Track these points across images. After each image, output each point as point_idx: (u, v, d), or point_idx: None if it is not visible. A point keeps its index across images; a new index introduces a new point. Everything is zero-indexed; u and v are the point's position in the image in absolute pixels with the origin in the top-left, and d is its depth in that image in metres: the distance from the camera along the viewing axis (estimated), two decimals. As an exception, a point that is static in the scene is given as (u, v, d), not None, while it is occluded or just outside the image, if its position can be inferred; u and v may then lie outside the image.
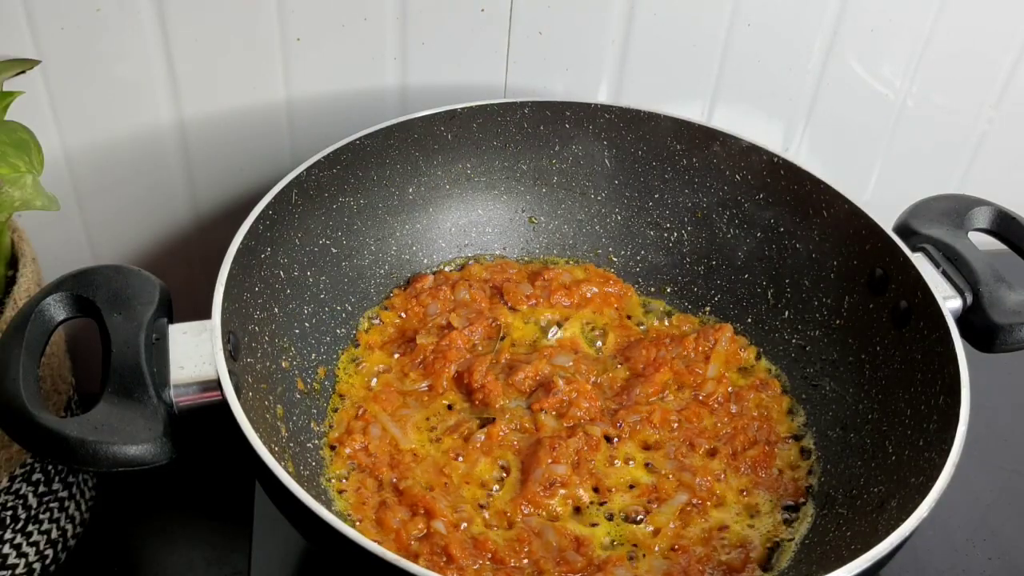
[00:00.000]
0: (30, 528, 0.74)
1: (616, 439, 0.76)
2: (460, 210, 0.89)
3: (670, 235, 0.90)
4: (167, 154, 0.86)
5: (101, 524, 0.83)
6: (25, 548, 0.74)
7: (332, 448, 0.74)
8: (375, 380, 0.79)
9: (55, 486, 0.75)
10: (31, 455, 0.71)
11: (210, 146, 0.86)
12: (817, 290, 0.83)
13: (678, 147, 0.87)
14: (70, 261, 0.78)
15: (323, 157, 0.78)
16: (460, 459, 0.74)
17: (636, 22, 0.88)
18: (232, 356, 0.65)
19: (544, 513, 0.71)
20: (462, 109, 0.85)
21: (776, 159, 0.83)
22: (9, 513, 0.71)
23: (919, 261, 0.75)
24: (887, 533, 0.58)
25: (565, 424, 0.76)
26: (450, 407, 0.78)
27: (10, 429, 0.57)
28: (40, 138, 0.70)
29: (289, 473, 0.58)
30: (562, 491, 0.72)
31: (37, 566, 0.76)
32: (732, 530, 0.71)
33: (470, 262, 0.89)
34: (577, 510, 0.71)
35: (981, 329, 0.73)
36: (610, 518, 0.71)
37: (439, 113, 0.84)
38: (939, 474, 0.61)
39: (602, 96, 0.93)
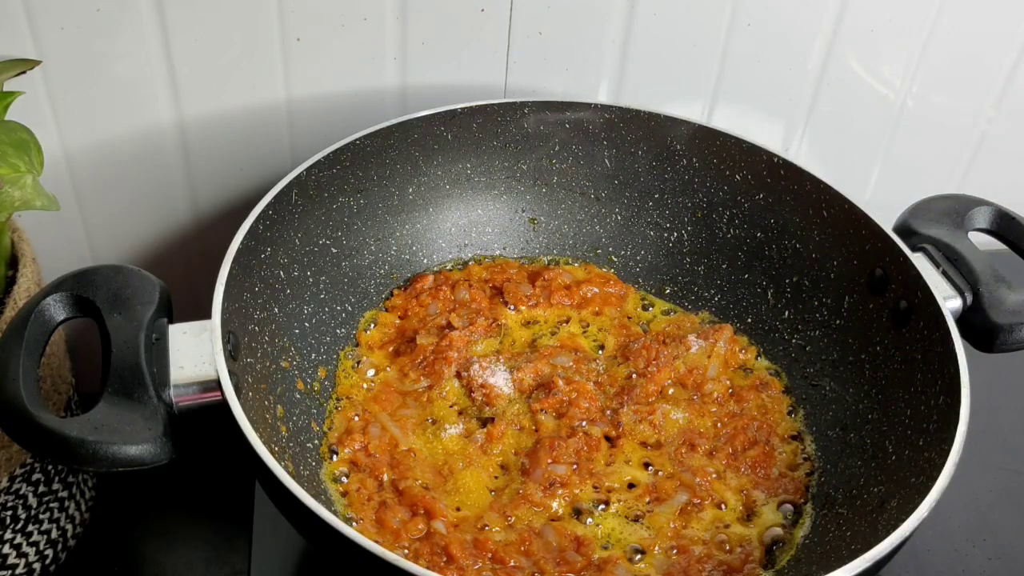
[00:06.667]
0: (30, 528, 0.74)
1: (616, 439, 0.76)
2: (460, 210, 0.89)
3: (670, 235, 0.90)
4: (167, 154, 0.86)
5: (101, 524, 0.82)
6: (25, 548, 0.74)
7: (332, 448, 0.74)
8: (375, 380, 0.79)
9: (55, 486, 0.75)
10: (31, 455, 0.71)
11: (210, 146, 0.86)
12: (817, 290, 0.83)
13: (678, 147, 0.87)
14: (70, 261, 0.78)
15: (323, 157, 0.78)
16: (460, 459, 0.74)
17: (636, 22, 0.88)
18: (232, 356, 0.65)
19: (544, 513, 0.71)
20: (462, 109, 0.85)
21: (776, 159, 0.83)
22: (9, 513, 0.71)
23: (919, 261, 0.75)
24: (887, 533, 0.58)
25: (565, 424, 0.76)
26: (450, 407, 0.78)
27: (10, 429, 0.57)
28: (40, 138, 0.70)
29: (289, 473, 0.58)
30: (562, 491, 0.72)
31: (37, 566, 0.76)
32: (732, 530, 0.71)
33: (470, 262, 0.89)
34: (577, 510, 0.71)
35: (981, 329, 0.73)
36: (610, 518, 0.71)
37: (439, 113, 0.84)
38: (939, 474, 0.61)
39: (602, 96, 0.93)
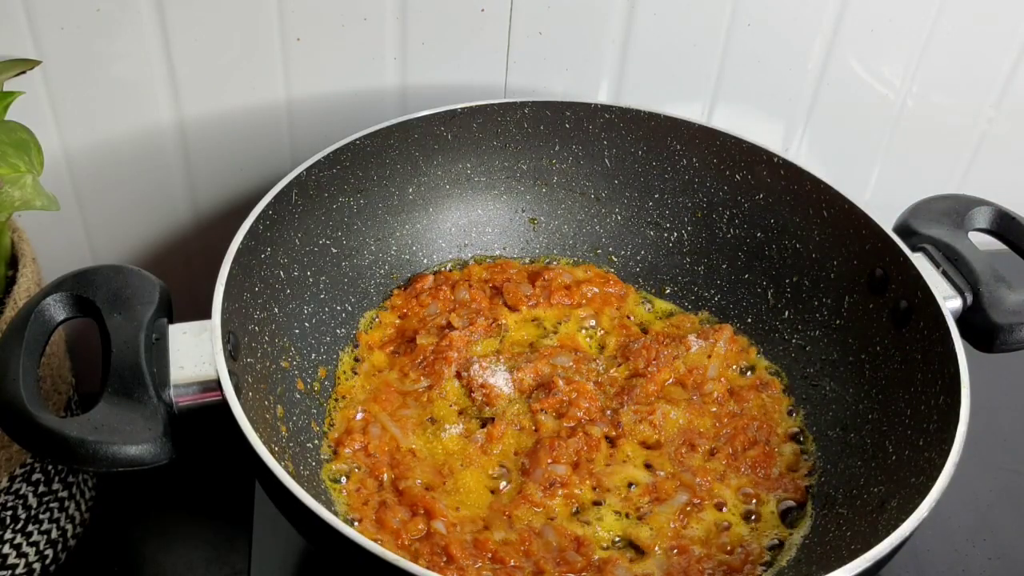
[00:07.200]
0: (30, 528, 0.74)
1: (616, 439, 0.76)
2: (460, 210, 0.89)
3: (670, 235, 0.90)
4: (167, 154, 0.86)
5: (101, 524, 0.82)
6: (25, 548, 0.74)
7: (332, 448, 0.74)
8: (375, 380, 0.79)
9: (55, 486, 0.75)
10: (31, 455, 0.71)
11: (210, 146, 0.86)
12: (817, 290, 0.83)
13: (678, 147, 0.87)
14: (70, 261, 0.78)
15: (323, 157, 0.78)
16: (460, 459, 0.74)
17: (636, 22, 0.88)
18: (232, 356, 0.65)
19: (544, 513, 0.71)
20: (462, 109, 0.85)
21: (776, 159, 0.83)
22: (9, 513, 0.71)
23: (919, 261, 0.75)
24: (887, 533, 0.58)
25: (565, 424, 0.76)
26: (450, 407, 0.78)
27: (10, 429, 0.57)
28: (40, 138, 0.70)
29: (289, 473, 0.58)
30: (562, 491, 0.72)
31: (37, 566, 0.76)
32: (732, 530, 0.71)
33: (470, 262, 0.89)
34: (577, 510, 0.71)
35: (981, 329, 0.73)
36: (610, 518, 0.71)
37: (439, 113, 0.84)
38: (939, 474, 0.61)
39: (602, 96, 0.93)
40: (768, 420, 0.79)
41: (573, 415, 0.77)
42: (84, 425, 0.56)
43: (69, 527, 0.78)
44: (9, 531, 0.72)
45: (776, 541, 0.71)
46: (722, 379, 0.81)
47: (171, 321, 0.64)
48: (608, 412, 0.78)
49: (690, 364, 0.82)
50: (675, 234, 0.90)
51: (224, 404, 0.60)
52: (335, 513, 0.64)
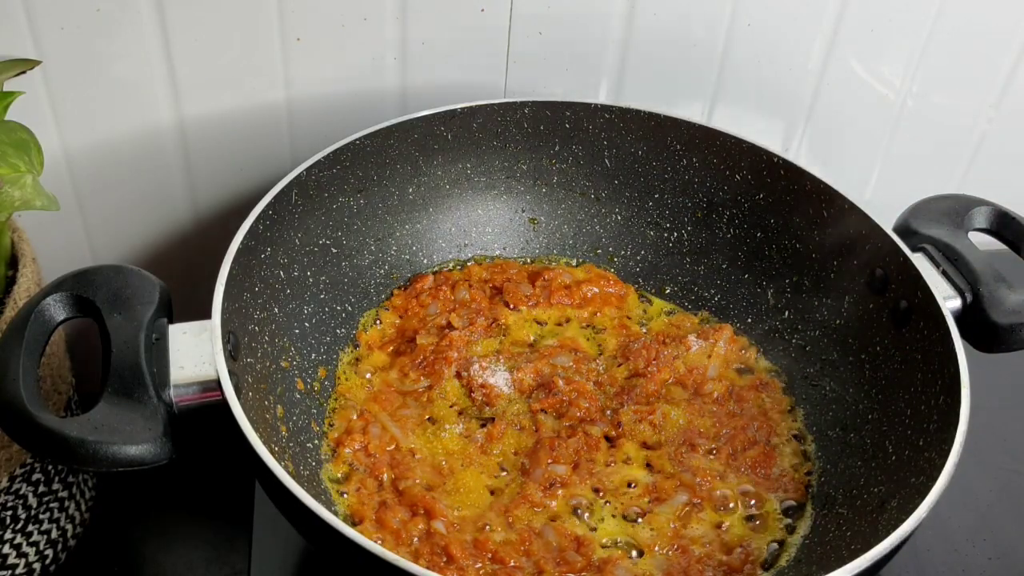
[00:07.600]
0: (30, 528, 0.74)
1: (616, 439, 0.76)
2: (460, 210, 0.89)
3: (670, 235, 0.90)
4: (167, 154, 0.86)
5: (101, 524, 0.83)
6: (25, 548, 0.74)
7: (332, 448, 0.74)
8: (375, 380, 0.79)
9: (55, 486, 0.75)
10: (31, 455, 0.71)
11: (210, 146, 0.86)
12: (817, 290, 0.83)
13: (678, 147, 0.87)
14: (70, 261, 0.78)
15: (323, 157, 0.78)
16: (460, 459, 0.74)
17: (636, 22, 0.88)
18: (232, 356, 0.65)
19: (544, 513, 0.71)
20: (462, 109, 0.85)
21: (776, 159, 0.83)
22: (9, 513, 0.71)
23: (919, 261, 0.75)
24: (887, 533, 0.58)
25: (565, 424, 0.76)
26: (450, 407, 0.78)
27: (10, 429, 0.57)
28: (40, 138, 0.70)
29: (289, 473, 0.58)
30: (562, 491, 0.72)
31: (37, 566, 0.76)
32: (732, 530, 0.71)
33: (470, 262, 0.89)
34: (577, 510, 0.71)
35: (981, 329, 0.73)
36: (610, 518, 0.71)
37: (439, 113, 0.84)
38: (939, 474, 0.61)
39: (602, 96, 0.93)
40: (768, 420, 0.79)
41: (573, 415, 0.77)
42: (84, 425, 0.56)
43: (69, 527, 0.78)
44: (9, 531, 0.72)
45: (776, 541, 0.71)
46: (722, 379, 0.81)
47: (171, 321, 0.64)
48: (608, 412, 0.78)
49: (690, 364, 0.82)
50: (675, 234, 0.90)
51: (224, 404, 0.60)
52: (335, 513, 0.64)
